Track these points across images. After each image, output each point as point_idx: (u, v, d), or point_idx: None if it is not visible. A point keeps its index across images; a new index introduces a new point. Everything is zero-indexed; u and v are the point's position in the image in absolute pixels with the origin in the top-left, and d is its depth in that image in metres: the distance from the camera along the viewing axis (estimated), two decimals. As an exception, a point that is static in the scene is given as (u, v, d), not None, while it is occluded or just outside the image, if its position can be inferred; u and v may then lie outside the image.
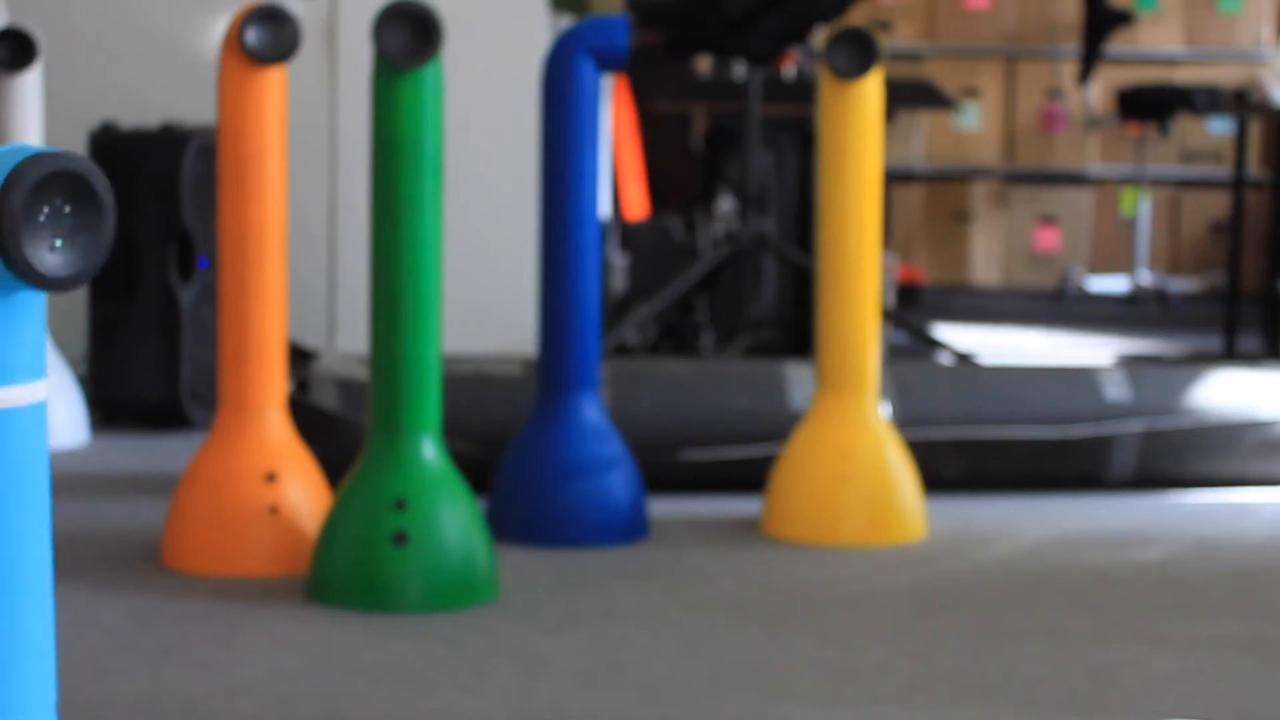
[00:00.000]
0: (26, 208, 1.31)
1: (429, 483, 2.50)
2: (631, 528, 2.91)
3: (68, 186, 1.34)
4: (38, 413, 1.34)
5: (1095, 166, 7.65)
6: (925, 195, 7.66)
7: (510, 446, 2.95)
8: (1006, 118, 7.67)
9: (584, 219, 2.90)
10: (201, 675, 2.15)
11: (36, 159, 1.31)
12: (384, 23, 2.52)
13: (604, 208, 5.00)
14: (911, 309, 6.37)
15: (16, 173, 1.31)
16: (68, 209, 1.33)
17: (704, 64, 6.20)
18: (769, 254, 4.76)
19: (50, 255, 1.32)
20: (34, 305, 1.35)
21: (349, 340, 4.31)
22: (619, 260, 5.04)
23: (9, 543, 1.31)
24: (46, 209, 1.32)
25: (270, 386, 2.68)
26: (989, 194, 7.66)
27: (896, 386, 3.31)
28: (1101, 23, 7.00)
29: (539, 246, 2.93)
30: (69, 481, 3.30)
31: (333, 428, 3.12)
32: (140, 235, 3.84)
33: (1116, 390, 3.35)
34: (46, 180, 1.32)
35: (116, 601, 2.47)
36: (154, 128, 3.90)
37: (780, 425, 3.22)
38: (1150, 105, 6.91)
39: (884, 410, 3.21)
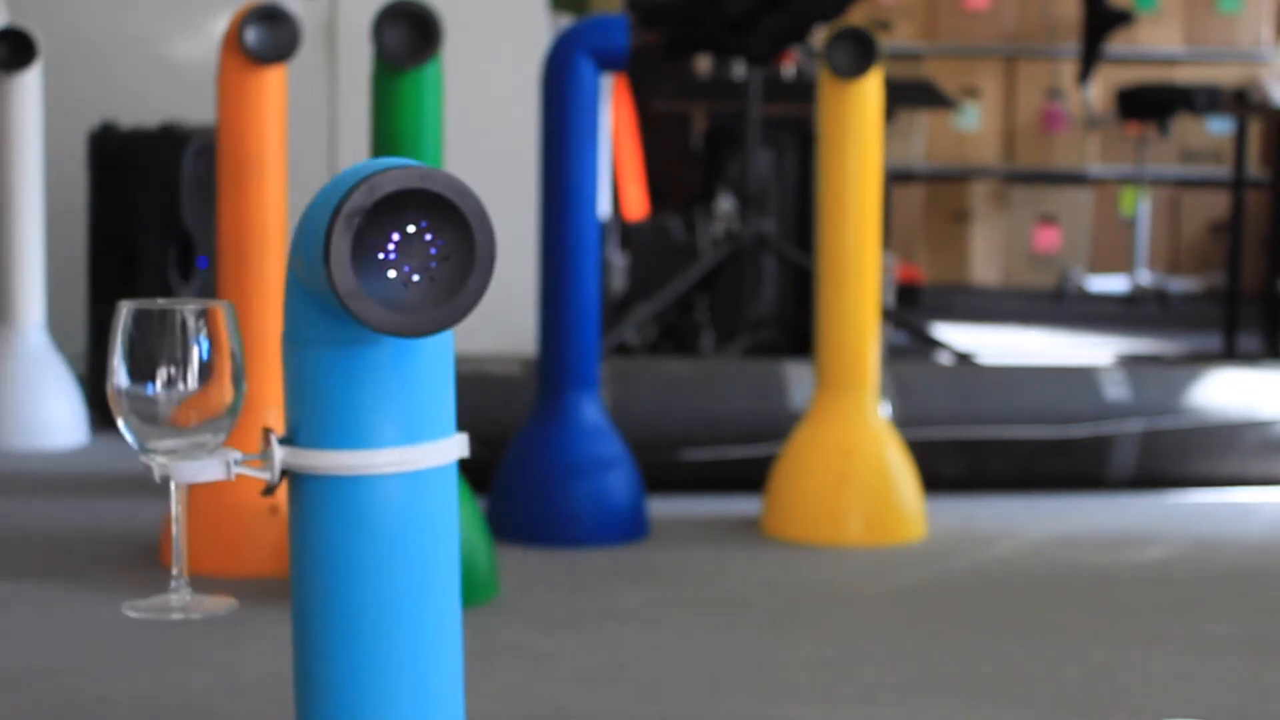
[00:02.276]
0: (363, 239, 1.10)
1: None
2: (631, 527, 2.91)
3: (423, 210, 1.12)
4: (435, 477, 1.22)
5: (1095, 166, 7.65)
6: (925, 195, 7.66)
7: (510, 446, 2.95)
8: (1006, 118, 7.67)
9: (584, 219, 2.90)
10: (201, 675, 2.15)
11: (380, 178, 1.10)
12: (384, 22, 2.52)
13: (604, 208, 5.00)
14: (911, 309, 6.37)
15: (353, 195, 1.10)
16: (428, 237, 1.12)
17: (704, 64, 6.20)
18: (769, 254, 4.75)
19: (402, 293, 1.11)
20: (411, 354, 1.19)
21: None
22: (619, 260, 5.04)
23: (413, 613, 1.23)
24: (395, 238, 1.11)
25: (269, 386, 2.68)
26: (989, 194, 7.66)
27: (896, 386, 3.31)
28: (1101, 22, 7.00)
29: (539, 246, 2.93)
30: (69, 481, 3.30)
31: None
32: (140, 235, 3.84)
33: (1116, 390, 3.35)
34: (391, 203, 1.09)
35: (116, 601, 2.47)
36: (154, 128, 3.90)
37: (780, 425, 3.22)
38: (1150, 105, 6.90)
39: (884, 410, 3.21)
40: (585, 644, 2.31)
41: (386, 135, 2.53)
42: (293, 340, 1.21)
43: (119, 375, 1.25)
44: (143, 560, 2.70)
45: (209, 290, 3.81)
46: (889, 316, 4.31)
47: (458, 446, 1.24)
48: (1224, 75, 7.40)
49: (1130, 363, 3.72)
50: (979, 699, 2.11)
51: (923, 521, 2.98)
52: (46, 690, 2.07)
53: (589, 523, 2.87)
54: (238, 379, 1.27)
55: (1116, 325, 6.37)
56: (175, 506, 1.29)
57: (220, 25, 4.32)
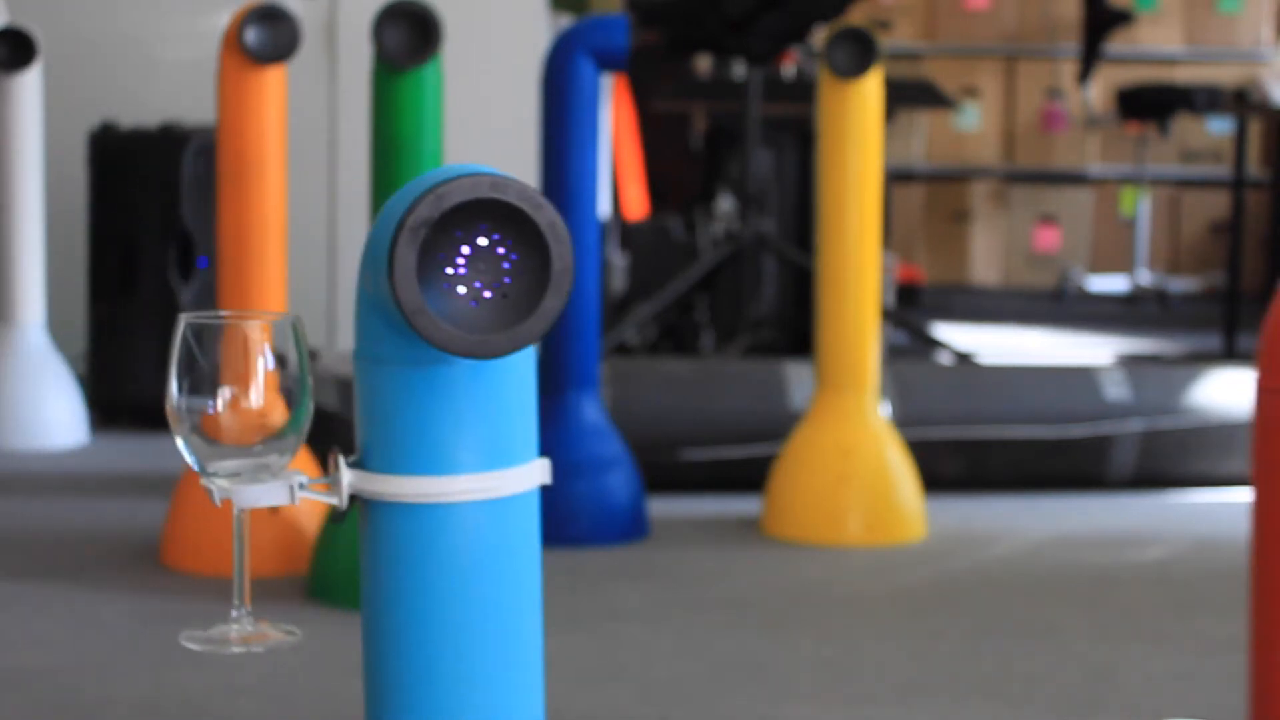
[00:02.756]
0: (429, 252, 1.03)
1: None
2: (631, 527, 2.91)
3: (494, 222, 1.04)
4: (515, 505, 1.16)
5: (1095, 166, 7.65)
6: (925, 195, 7.66)
7: (510, 446, 2.94)
8: (1006, 117, 7.67)
9: (584, 219, 2.90)
10: (201, 675, 2.15)
11: (448, 187, 1.03)
12: (384, 22, 2.52)
13: (604, 208, 5.00)
14: (911, 309, 6.37)
15: (419, 205, 1.03)
16: (500, 250, 1.04)
17: (704, 64, 6.20)
18: (769, 254, 4.75)
19: (472, 311, 1.04)
20: (491, 374, 1.11)
21: (349, 340, 4.31)
22: (619, 260, 5.04)
23: (493, 649, 1.17)
24: (464, 252, 1.04)
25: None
26: (989, 194, 7.65)
27: (896, 386, 3.31)
28: (1101, 22, 6.99)
29: (539, 246, 2.93)
30: (69, 481, 3.30)
31: (332, 427, 3.12)
32: (140, 235, 3.84)
33: (1116, 390, 3.35)
34: (460, 215, 1.02)
35: (116, 601, 2.47)
36: (154, 128, 3.90)
37: (780, 425, 3.21)
38: (1150, 105, 6.90)
39: (884, 410, 3.21)
40: (585, 644, 2.31)
41: (386, 135, 2.52)
42: (364, 358, 1.16)
43: (178, 392, 1.18)
44: (143, 560, 2.70)
45: (209, 290, 3.81)
46: (889, 316, 4.31)
47: (540, 472, 1.18)
48: (1224, 75, 7.40)
49: (1130, 363, 3.72)
50: (979, 699, 2.11)
51: (923, 521, 2.98)
52: (46, 690, 2.07)
53: (589, 523, 2.87)
54: (303, 396, 1.20)
55: (1116, 325, 6.37)
56: (237, 532, 1.22)
57: (220, 25, 4.32)
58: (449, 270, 1.04)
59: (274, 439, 1.19)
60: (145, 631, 2.34)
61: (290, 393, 1.20)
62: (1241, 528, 3.10)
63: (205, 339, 1.18)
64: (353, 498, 1.17)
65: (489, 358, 1.05)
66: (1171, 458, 3.35)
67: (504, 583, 1.17)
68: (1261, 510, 1.13)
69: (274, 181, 2.67)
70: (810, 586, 2.68)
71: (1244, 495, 3.35)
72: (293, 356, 1.19)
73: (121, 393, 3.85)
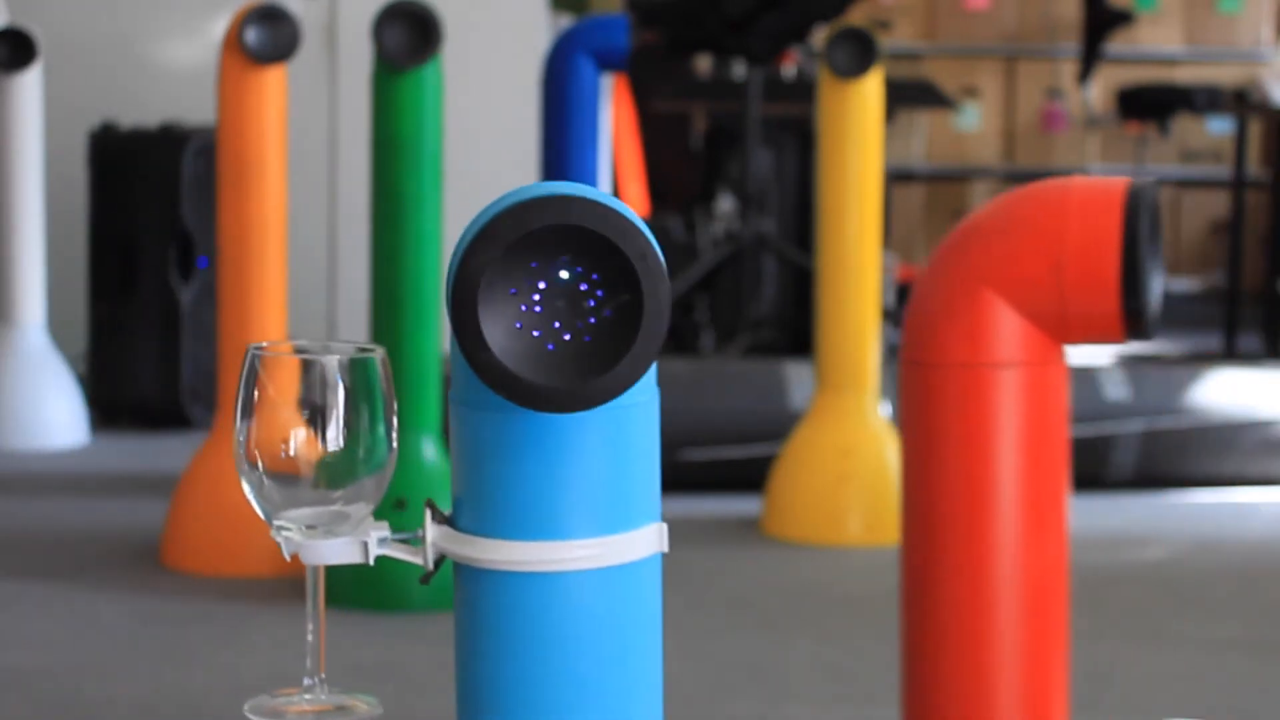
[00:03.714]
0: (498, 287, 0.89)
1: (429, 482, 2.49)
2: (631, 528, 2.91)
3: (576, 251, 0.89)
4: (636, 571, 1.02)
5: (1095, 166, 7.65)
6: (925, 195, 7.66)
7: (510, 446, 2.94)
8: (1006, 117, 7.67)
9: (584, 219, 2.90)
10: (201, 675, 2.15)
11: (521, 210, 0.88)
12: (384, 22, 2.52)
13: (604, 207, 4.99)
14: (911, 309, 6.36)
15: (487, 232, 0.89)
16: (583, 286, 0.90)
17: (704, 64, 6.20)
18: (769, 254, 4.75)
19: (549, 356, 0.90)
20: (602, 429, 0.97)
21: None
22: (619, 260, 5.04)
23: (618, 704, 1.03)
24: (541, 287, 0.90)
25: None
26: (989, 194, 7.65)
27: (897, 386, 3.31)
28: (1101, 22, 7.00)
29: (539, 246, 2.93)
30: (69, 481, 3.30)
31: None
32: (140, 235, 3.84)
33: (1116, 390, 3.35)
34: (536, 242, 0.88)
35: (116, 601, 2.47)
36: (154, 128, 3.90)
37: (780, 425, 3.21)
38: (1150, 105, 6.90)
39: (884, 410, 3.21)
40: (585, 644, 2.30)
41: (386, 135, 2.53)
42: (456, 401, 1.00)
43: (244, 431, 1.06)
44: (143, 560, 2.70)
45: (209, 290, 3.81)
46: (889, 316, 4.31)
47: (656, 538, 1.05)
48: (1224, 75, 7.40)
49: (1130, 363, 3.72)
50: (979, 699, 2.10)
51: (923, 521, 2.98)
52: (46, 690, 2.07)
53: (589, 523, 2.87)
54: (385, 438, 1.06)
55: (1116, 325, 6.37)
56: (311, 594, 1.10)
57: (220, 25, 4.32)
58: (523, 307, 0.89)
59: (352, 485, 1.06)
60: (145, 631, 2.34)
61: (371, 434, 1.06)
62: (1241, 528, 3.10)
63: (277, 372, 1.06)
64: (440, 558, 1.03)
65: (565, 411, 0.90)
66: (1171, 458, 3.35)
67: (617, 662, 1.02)
68: (909, 479, 1.16)
69: (274, 181, 2.67)
70: (810, 586, 2.68)
71: (1244, 495, 3.35)
72: (376, 393, 1.06)
73: (121, 393, 3.85)
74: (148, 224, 3.84)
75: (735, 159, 5.10)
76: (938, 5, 7.65)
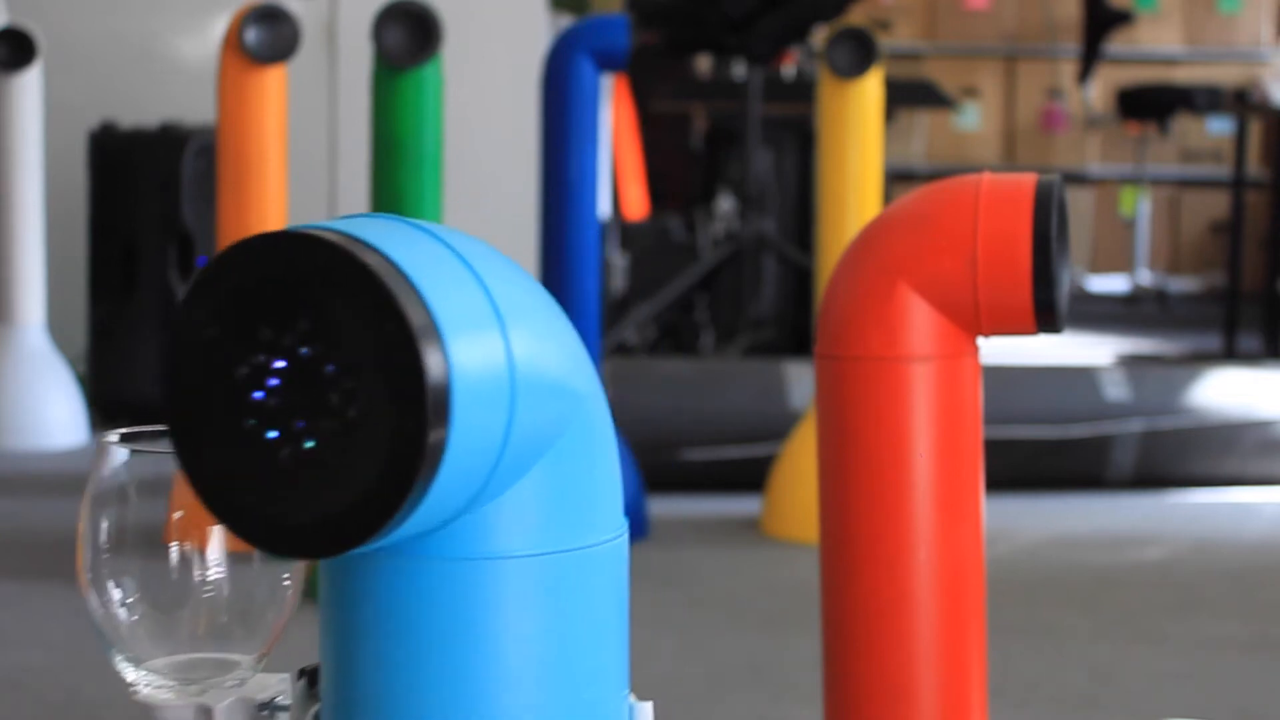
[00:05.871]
0: (218, 362, 0.61)
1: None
2: (631, 527, 2.91)
3: (322, 320, 0.60)
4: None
5: (1095, 166, 7.65)
6: (925, 195, 7.66)
7: (510, 446, 2.94)
8: (1006, 117, 7.67)
9: (584, 219, 2.90)
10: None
11: (239, 259, 0.60)
12: (384, 22, 2.52)
13: (604, 208, 5.00)
14: (911, 309, 6.36)
15: (204, 284, 0.62)
16: (330, 368, 0.61)
17: (704, 64, 6.20)
18: (769, 254, 4.75)
19: (277, 472, 0.61)
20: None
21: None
22: (619, 260, 5.04)
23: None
24: (276, 366, 0.60)
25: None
26: (989, 194, 7.66)
27: (896, 386, 3.31)
28: (1101, 22, 7.00)
29: (539, 246, 2.93)
30: (69, 481, 3.30)
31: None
32: (140, 235, 3.84)
33: (1116, 390, 3.35)
34: (258, 304, 0.61)
35: (116, 601, 2.47)
36: (154, 127, 3.90)
37: (780, 425, 3.21)
38: (1150, 105, 6.90)
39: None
40: (585, 644, 2.30)
41: (386, 135, 2.53)
42: None
43: (93, 547, 0.84)
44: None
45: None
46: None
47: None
48: (1224, 75, 7.40)
49: (1130, 363, 3.72)
50: (979, 699, 2.11)
51: (923, 521, 2.98)
52: (46, 690, 2.07)
53: (589, 523, 2.87)
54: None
55: (1116, 325, 6.37)
56: None
57: (220, 25, 4.32)
58: (249, 396, 0.62)
59: (235, 623, 0.83)
60: (145, 631, 2.34)
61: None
62: (1241, 528, 3.10)
63: (151, 475, 0.82)
64: None
65: (295, 556, 0.61)
66: (1171, 458, 3.35)
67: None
68: (825, 474, 1.17)
69: (274, 181, 2.67)
70: (810, 586, 2.68)
71: (1244, 495, 3.35)
72: None
73: (121, 393, 3.85)
74: (148, 224, 3.84)
75: (735, 159, 5.11)
76: (938, 5, 7.65)
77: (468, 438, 0.61)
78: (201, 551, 0.83)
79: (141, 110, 4.22)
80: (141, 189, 3.84)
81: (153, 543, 0.84)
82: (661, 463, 3.22)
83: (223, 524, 0.62)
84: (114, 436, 0.84)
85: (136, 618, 0.85)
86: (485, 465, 0.64)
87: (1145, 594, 2.64)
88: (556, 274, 2.90)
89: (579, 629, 0.70)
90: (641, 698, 0.90)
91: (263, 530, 0.61)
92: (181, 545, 0.83)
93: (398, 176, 2.51)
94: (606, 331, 4.28)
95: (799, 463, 2.96)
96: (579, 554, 0.70)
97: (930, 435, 1.13)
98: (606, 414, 0.72)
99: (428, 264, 0.62)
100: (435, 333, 0.59)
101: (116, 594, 0.85)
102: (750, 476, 3.20)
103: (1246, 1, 7.56)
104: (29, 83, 3.64)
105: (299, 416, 0.61)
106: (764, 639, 2.36)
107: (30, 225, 3.66)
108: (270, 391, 0.61)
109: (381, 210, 2.53)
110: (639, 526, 2.93)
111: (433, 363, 0.59)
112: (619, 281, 5.01)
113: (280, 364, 0.61)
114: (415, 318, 0.59)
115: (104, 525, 0.84)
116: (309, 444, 0.61)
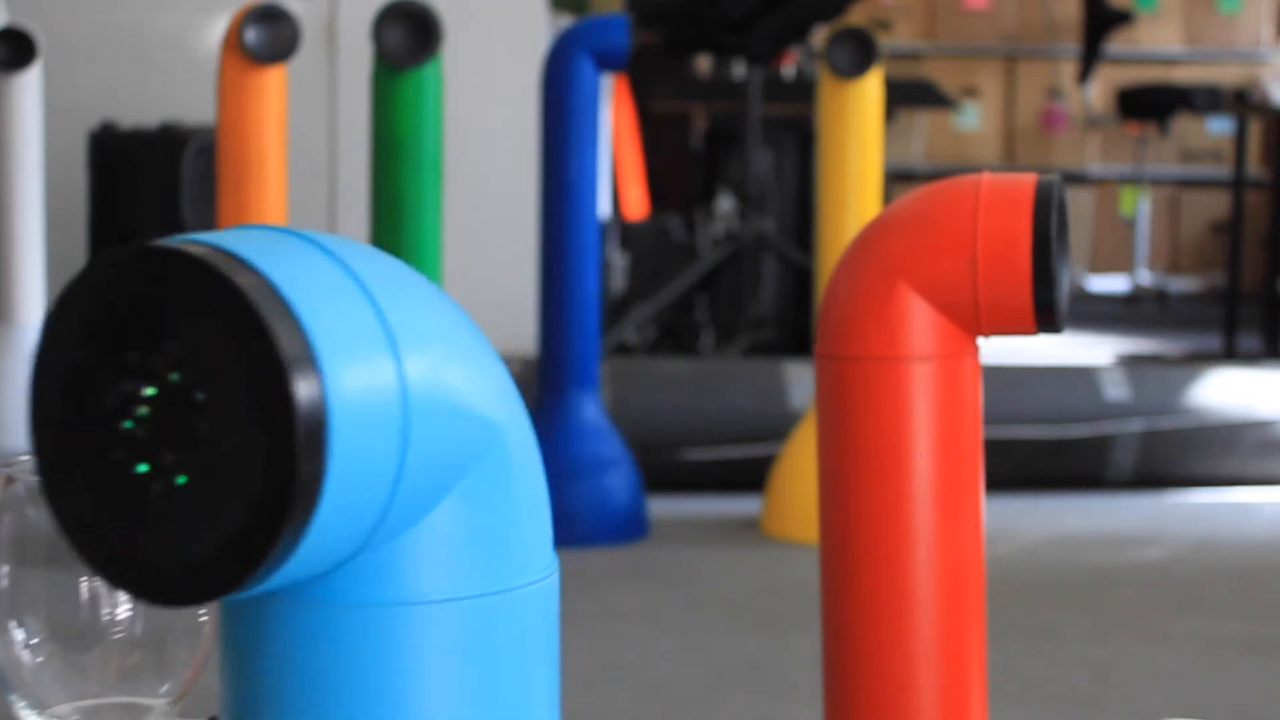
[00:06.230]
0: (77, 386, 0.56)
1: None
2: (631, 527, 2.91)
3: (189, 343, 0.55)
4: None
5: (1095, 166, 7.65)
6: (925, 195, 7.66)
7: (510, 446, 2.94)
8: (1006, 117, 7.67)
9: (584, 219, 2.90)
10: (201, 675, 2.15)
11: (108, 265, 0.56)
12: (384, 22, 2.52)
13: (604, 208, 5.00)
14: (911, 309, 6.36)
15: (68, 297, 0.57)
16: (199, 396, 0.55)
17: (704, 64, 6.20)
18: (769, 254, 4.75)
19: (139, 508, 0.56)
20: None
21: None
22: (619, 260, 5.04)
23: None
24: (139, 394, 0.55)
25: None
26: (989, 194, 7.66)
27: (896, 386, 3.31)
28: (1101, 22, 7.00)
29: (539, 246, 2.93)
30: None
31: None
32: (140, 235, 3.84)
33: (1116, 390, 3.35)
34: (117, 326, 0.56)
35: (116, 601, 2.47)
36: (154, 127, 3.90)
37: (780, 425, 3.21)
38: (1150, 105, 6.90)
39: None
40: (585, 644, 2.31)
41: (386, 135, 2.53)
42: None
43: None
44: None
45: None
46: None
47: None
48: (1224, 75, 7.40)
49: (1130, 363, 3.72)
50: (979, 699, 2.11)
51: (923, 521, 2.98)
52: (46, 690, 2.07)
53: (589, 523, 2.87)
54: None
55: (1116, 325, 6.37)
56: None
57: (220, 25, 4.32)
58: (116, 426, 0.56)
59: (147, 664, 0.79)
60: (145, 631, 2.34)
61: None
62: (1241, 528, 3.10)
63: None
64: None
65: (163, 602, 0.57)
66: (1171, 458, 3.35)
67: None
68: (825, 474, 1.17)
69: (274, 181, 2.67)
70: (810, 586, 2.67)
71: (1244, 495, 3.35)
72: None
73: (121, 393, 3.85)
74: (148, 224, 3.84)
75: (735, 159, 5.11)
76: (938, 5, 7.65)
77: (351, 471, 0.56)
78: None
79: (141, 110, 4.22)
80: (141, 189, 3.84)
81: (60, 579, 0.78)
82: (661, 463, 3.22)
83: (87, 566, 0.57)
84: (19, 462, 0.78)
85: (41, 659, 0.78)
86: (376, 501, 0.59)
87: (1145, 594, 2.64)
88: (556, 274, 2.90)
89: (504, 679, 0.65)
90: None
91: (130, 574, 0.56)
92: (90, 581, 0.78)
93: (398, 176, 2.51)
94: (606, 331, 4.29)
95: (799, 463, 2.96)
96: (502, 597, 0.64)
97: (930, 435, 1.13)
98: (530, 442, 0.66)
99: (310, 282, 0.56)
100: (310, 357, 0.55)
101: (19, 634, 0.78)
102: (750, 476, 3.20)
103: (1246, 1, 7.56)
104: (29, 83, 3.64)
105: (170, 449, 0.56)
106: (764, 639, 2.36)
107: (30, 225, 3.66)
108: (139, 421, 0.56)
109: (381, 210, 2.53)
110: (639, 526, 2.93)
111: (304, 389, 0.54)
112: (619, 281, 5.02)
113: (150, 391, 0.56)
114: (286, 340, 0.54)
115: (4, 561, 0.78)
116: (181, 479, 0.56)
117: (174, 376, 0.55)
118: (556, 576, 0.67)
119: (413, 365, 0.59)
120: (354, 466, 0.56)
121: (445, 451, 0.61)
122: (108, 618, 0.77)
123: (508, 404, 0.65)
